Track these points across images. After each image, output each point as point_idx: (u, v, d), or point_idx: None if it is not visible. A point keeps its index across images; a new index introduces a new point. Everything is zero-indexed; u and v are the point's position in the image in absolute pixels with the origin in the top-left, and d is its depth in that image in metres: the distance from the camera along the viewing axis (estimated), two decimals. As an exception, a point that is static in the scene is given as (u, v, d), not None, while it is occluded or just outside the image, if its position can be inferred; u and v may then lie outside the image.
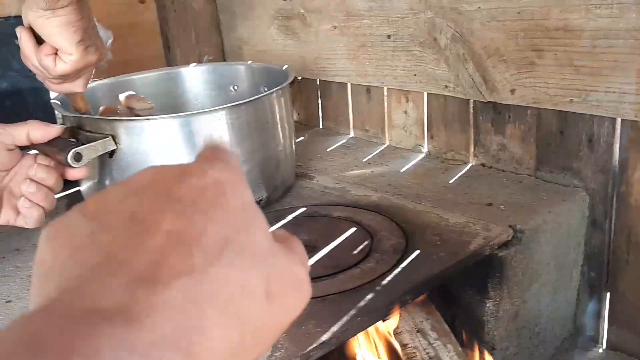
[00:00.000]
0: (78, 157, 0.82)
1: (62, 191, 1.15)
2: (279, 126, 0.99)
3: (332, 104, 1.44)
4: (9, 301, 0.81)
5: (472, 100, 1.12)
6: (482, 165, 1.15)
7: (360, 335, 0.85)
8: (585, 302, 1.05)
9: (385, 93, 1.29)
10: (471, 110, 1.13)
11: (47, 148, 0.81)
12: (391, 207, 0.99)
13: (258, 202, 1.00)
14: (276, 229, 0.26)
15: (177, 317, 0.18)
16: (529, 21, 0.97)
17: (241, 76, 1.20)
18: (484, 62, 1.05)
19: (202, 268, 0.19)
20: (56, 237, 0.21)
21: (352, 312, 0.70)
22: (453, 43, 1.09)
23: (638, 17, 0.84)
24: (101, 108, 1.02)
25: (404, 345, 0.77)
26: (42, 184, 0.80)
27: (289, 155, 1.06)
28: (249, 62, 1.32)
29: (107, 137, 0.86)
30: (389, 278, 0.77)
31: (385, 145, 1.33)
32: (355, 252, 0.86)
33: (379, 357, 0.83)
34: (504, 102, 1.05)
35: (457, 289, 0.94)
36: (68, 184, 1.11)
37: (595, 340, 1.05)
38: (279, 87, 0.96)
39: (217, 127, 0.90)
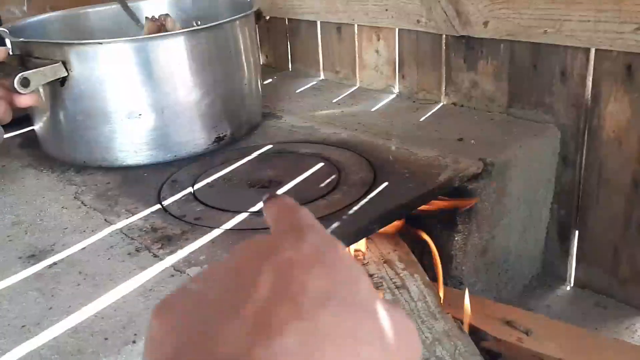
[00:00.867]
0: (25, 83, 0.77)
1: (15, 130, 1.10)
2: (243, 57, 0.95)
3: (302, 45, 1.39)
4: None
5: (444, 36, 1.09)
6: (454, 104, 1.12)
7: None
8: (554, 240, 1.04)
9: (356, 31, 1.25)
10: (443, 47, 1.10)
11: (-8, 73, 0.75)
12: (360, 144, 0.96)
13: (221, 139, 0.97)
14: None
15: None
16: (504, -51, 0.93)
17: (205, 10, 1.14)
18: (457, -5, 1.02)
19: (311, 314, 0.19)
20: (163, 311, 0.21)
21: (317, 239, 0.67)
22: (425, -25, 1.05)
23: (615, -60, 0.81)
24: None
25: (370, 276, 0.75)
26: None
27: (255, 90, 1.02)
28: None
29: (57, 63, 0.80)
30: (355, 208, 0.75)
31: (356, 87, 1.29)
32: (322, 185, 0.83)
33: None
34: (476, 36, 1.02)
35: (426, 223, 0.92)
36: (21, 122, 1.06)
37: (563, 279, 1.05)
38: (242, 15, 0.91)
39: (176, 54, 0.85)
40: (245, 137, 1.01)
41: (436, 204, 0.80)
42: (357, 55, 1.26)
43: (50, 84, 0.83)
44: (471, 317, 0.73)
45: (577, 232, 1.01)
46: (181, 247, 0.68)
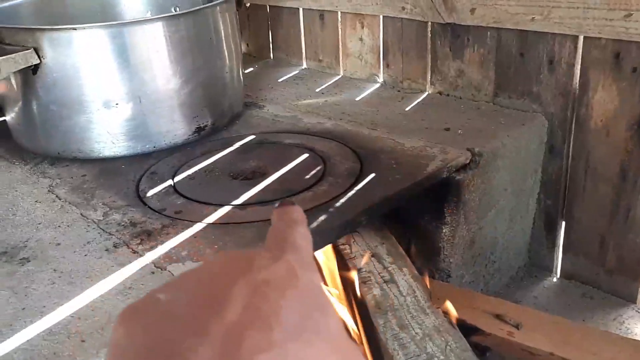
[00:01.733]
0: (-6, 70, 0.73)
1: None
2: (224, 44, 0.92)
3: (284, 33, 1.36)
4: None
5: (429, 23, 1.06)
6: (439, 93, 1.10)
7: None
8: (541, 231, 1.03)
9: (339, 19, 1.22)
10: (429, 35, 1.08)
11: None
12: (345, 133, 0.94)
13: (202, 129, 0.94)
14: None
15: None
16: None
17: (184, -4, 1.10)
18: (443, -19, 0.99)
19: (282, 344, 0.18)
20: (130, 318, 0.20)
21: (303, 232, 0.65)
22: (411, -39, 1.03)
23: None
24: None
25: (358, 270, 0.73)
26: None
27: (236, 79, 0.99)
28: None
29: (28, 50, 0.76)
30: (342, 200, 0.73)
31: (340, 76, 1.26)
32: (308, 176, 0.80)
33: (334, 284, 0.79)
34: (463, 23, 1.00)
35: (414, 215, 0.90)
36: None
37: (549, 269, 1.04)
38: (221, 1, 0.88)
39: (154, 41, 0.81)
40: (227, 127, 0.98)
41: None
42: (340, 43, 1.24)
43: (22, 72, 0.79)
44: (461, 311, 0.72)
45: (563, 222, 1.00)
46: (162, 243, 0.65)
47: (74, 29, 0.76)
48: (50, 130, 0.86)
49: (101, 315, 0.55)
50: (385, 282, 0.71)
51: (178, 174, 0.83)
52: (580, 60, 0.90)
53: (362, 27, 1.18)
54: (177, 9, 1.11)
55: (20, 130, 0.91)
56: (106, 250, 0.65)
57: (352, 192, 0.74)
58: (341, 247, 0.77)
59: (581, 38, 0.88)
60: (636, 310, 0.93)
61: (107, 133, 0.84)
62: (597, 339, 0.71)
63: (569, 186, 0.97)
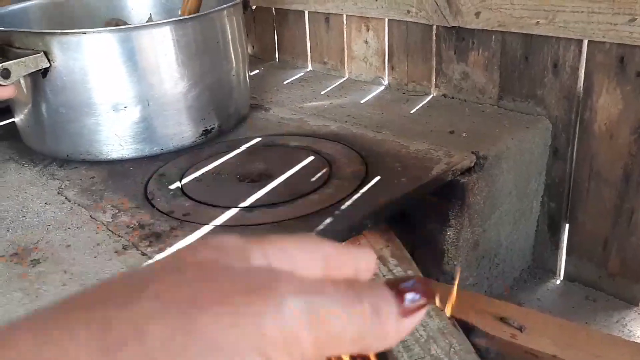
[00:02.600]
0: (6, 74, 0.74)
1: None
2: (231, 48, 0.92)
3: (289, 36, 1.37)
4: None
5: (434, 26, 1.07)
6: (444, 95, 1.11)
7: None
8: (544, 234, 1.04)
9: (344, 22, 1.23)
10: (434, 38, 1.08)
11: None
12: (351, 136, 0.95)
13: (209, 132, 0.95)
14: None
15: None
16: (496, -62, 0.92)
17: (190, -1, 1.11)
18: (448, -15, 1.00)
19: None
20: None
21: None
22: (416, -35, 1.03)
23: None
24: None
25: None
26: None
27: (243, 81, 0.99)
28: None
29: (38, 53, 0.77)
30: (348, 203, 0.73)
31: (345, 78, 1.27)
32: (313, 179, 0.81)
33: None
34: (468, 27, 1.01)
35: (418, 218, 0.91)
36: (1, 114, 1.03)
37: (553, 272, 1.05)
38: (230, 4, 0.89)
39: (162, 44, 0.82)
40: (233, 130, 0.99)
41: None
42: (345, 46, 1.25)
43: (32, 75, 0.80)
44: (464, 313, 0.73)
45: (567, 225, 1.01)
46: (170, 245, 0.66)
47: (84, 33, 0.77)
48: (59, 133, 0.87)
49: (111, 317, 0.56)
50: (390, 284, 0.71)
51: (185, 177, 0.84)
52: (584, 64, 0.90)
53: (368, 30, 1.19)
54: (184, 12, 1.12)
55: (30, 132, 0.92)
56: (116, 252, 0.66)
57: (358, 195, 0.75)
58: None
59: (585, 42, 0.88)
60: (639, 313, 0.94)
61: (116, 136, 0.85)
62: (601, 341, 0.72)
63: (573, 189, 0.98)
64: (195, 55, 0.86)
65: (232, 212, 0.73)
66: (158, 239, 0.68)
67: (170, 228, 0.70)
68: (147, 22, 1.05)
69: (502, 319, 0.74)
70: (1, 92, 0.75)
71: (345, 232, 0.69)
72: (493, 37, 0.99)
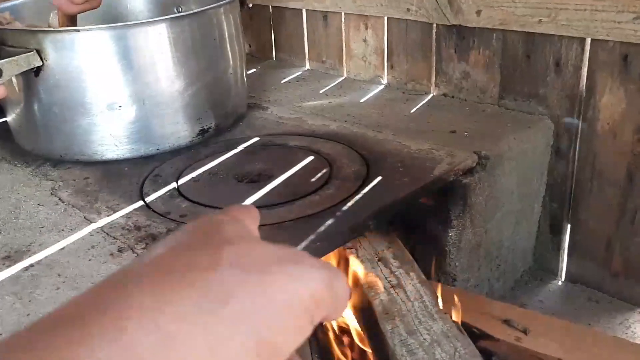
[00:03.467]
0: (-3, 72, 0.72)
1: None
2: (228, 45, 0.91)
3: (286, 34, 1.35)
4: None
5: (434, 25, 1.06)
6: (444, 95, 1.10)
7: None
8: (546, 234, 1.03)
9: (343, 20, 1.21)
10: (434, 36, 1.07)
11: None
12: (351, 136, 0.93)
13: (206, 131, 0.93)
14: None
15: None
16: None
17: (187, -4, 1.10)
18: (449, -18, 0.99)
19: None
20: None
21: (311, 237, 0.64)
22: (416, -38, 1.02)
23: None
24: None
25: (364, 275, 0.72)
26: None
27: (240, 80, 0.98)
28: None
29: (31, 52, 0.76)
30: (349, 204, 0.72)
31: (343, 77, 1.26)
32: (314, 179, 0.80)
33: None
34: (469, 25, 0.99)
35: (420, 219, 0.89)
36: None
37: (554, 273, 1.04)
38: (226, 1, 0.87)
39: (158, 42, 0.80)
40: (230, 129, 0.97)
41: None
42: (344, 45, 1.23)
43: (24, 74, 0.78)
44: (468, 316, 0.71)
45: (569, 225, 1.00)
46: (167, 247, 0.64)
47: (77, 30, 0.75)
48: (52, 133, 0.85)
49: (107, 322, 0.54)
50: (392, 287, 0.70)
51: (182, 177, 0.82)
52: (587, 63, 0.89)
53: (366, 29, 1.17)
54: (180, 9, 1.10)
55: (22, 132, 0.90)
56: (111, 254, 0.64)
57: (359, 195, 0.74)
58: (348, 251, 0.76)
59: (588, 40, 0.87)
60: (643, 315, 0.93)
61: (110, 135, 0.84)
62: (607, 344, 0.71)
63: (575, 189, 0.97)
64: (191, 53, 0.84)
65: (231, 213, 0.71)
66: (154, 240, 0.66)
67: (167, 230, 0.68)
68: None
69: (506, 322, 0.73)
70: (-7, 91, 0.74)
71: (347, 234, 0.68)
72: (494, 35, 0.98)
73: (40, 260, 0.64)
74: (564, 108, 0.93)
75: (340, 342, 0.77)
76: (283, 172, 0.82)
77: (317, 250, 0.64)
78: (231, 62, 0.93)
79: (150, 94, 0.83)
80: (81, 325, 0.17)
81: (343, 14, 1.20)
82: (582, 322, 0.92)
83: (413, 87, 1.14)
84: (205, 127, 0.91)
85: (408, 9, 1.07)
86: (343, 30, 1.22)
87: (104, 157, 0.86)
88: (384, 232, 0.80)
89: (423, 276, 0.73)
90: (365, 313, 0.70)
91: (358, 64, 1.22)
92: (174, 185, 0.80)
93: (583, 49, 0.88)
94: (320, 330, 0.74)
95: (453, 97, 1.08)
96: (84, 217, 0.72)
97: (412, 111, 1.04)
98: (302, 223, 0.68)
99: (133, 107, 0.82)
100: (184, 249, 0.21)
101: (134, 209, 0.74)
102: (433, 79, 1.11)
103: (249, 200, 0.74)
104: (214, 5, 0.85)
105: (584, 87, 0.90)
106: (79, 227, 0.70)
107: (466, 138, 0.90)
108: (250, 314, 0.19)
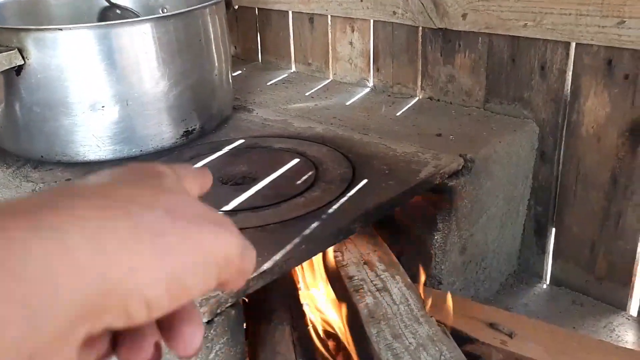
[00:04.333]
0: (-24, 71, 0.71)
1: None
2: (214, 47, 0.90)
3: (272, 36, 1.34)
4: None
5: (420, 28, 1.06)
6: (430, 98, 1.10)
7: (306, 271, 0.80)
8: (531, 237, 1.03)
9: (329, 22, 1.21)
10: (420, 40, 1.07)
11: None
12: (337, 138, 0.93)
13: (190, 133, 0.92)
14: None
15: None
16: (484, -61, 0.91)
17: (172, -3, 1.09)
18: (435, -14, 0.99)
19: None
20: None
21: (296, 240, 0.63)
22: (402, -35, 1.02)
23: None
24: None
25: (350, 278, 0.71)
26: None
27: (225, 82, 0.97)
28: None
29: (12, 50, 0.74)
30: (335, 206, 0.71)
31: (329, 80, 1.25)
32: (299, 182, 0.79)
33: (326, 292, 0.77)
34: (454, 29, 1.00)
35: (405, 222, 0.89)
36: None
37: (539, 276, 1.04)
38: (212, 2, 0.86)
39: (142, 42, 0.79)
40: (215, 131, 0.96)
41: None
42: (330, 47, 1.23)
43: (6, 73, 0.76)
44: (454, 319, 0.71)
45: (553, 229, 1.00)
46: (150, 250, 0.63)
47: (60, 29, 0.74)
48: (33, 133, 0.83)
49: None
50: (378, 290, 0.70)
51: (166, 179, 0.81)
52: (572, 67, 0.89)
53: (353, 31, 1.17)
54: (166, 10, 1.09)
55: (2, 132, 0.89)
56: (92, 257, 0.63)
57: (345, 198, 0.73)
58: (333, 254, 0.76)
59: (573, 45, 0.88)
60: (626, 318, 0.93)
61: (93, 136, 0.82)
62: (591, 347, 0.71)
63: (560, 193, 0.97)
64: (176, 53, 0.83)
65: (215, 215, 0.70)
66: (137, 243, 0.65)
67: (150, 232, 0.67)
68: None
69: (492, 325, 0.73)
70: (-28, 89, 0.72)
71: (333, 236, 0.67)
72: (480, 39, 0.98)
73: (20, 263, 0.63)
74: (549, 112, 0.94)
75: (325, 346, 0.76)
76: (268, 175, 0.81)
77: (303, 253, 0.63)
78: (216, 64, 0.92)
79: (134, 94, 0.82)
80: (30, 215, 0.19)
81: (329, 16, 1.20)
82: (567, 325, 0.92)
83: (399, 90, 1.14)
84: (190, 129, 0.90)
85: (394, 12, 1.07)
86: (329, 33, 1.22)
87: (86, 158, 0.84)
88: (369, 235, 0.79)
89: (409, 279, 0.72)
90: (351, 317, 0.70)
91: (344, 67, 1.22)
92: (157, 187, 0.78)
93: (568, 53, 0.89)
94: (304, 334, 0.73)
95: (439, 100, 1.08)
96: (65, 219, 0.71)
97: (397, 114, 1.04)
98: (287, 226, 0.67)
99: (116, 108, 0.81)
100: (129, 185, 0.24)
101: (117, 211, 0.72)
102: (419, 82, 1.11)
103: (234, 203, 0.73)
104: (199, 5, 0.84)
105: (569, 91, 0.91)
106: (59, 230, 0.69)
107: (452, 141, 0.91)
108: (171, 252, 0.21)
